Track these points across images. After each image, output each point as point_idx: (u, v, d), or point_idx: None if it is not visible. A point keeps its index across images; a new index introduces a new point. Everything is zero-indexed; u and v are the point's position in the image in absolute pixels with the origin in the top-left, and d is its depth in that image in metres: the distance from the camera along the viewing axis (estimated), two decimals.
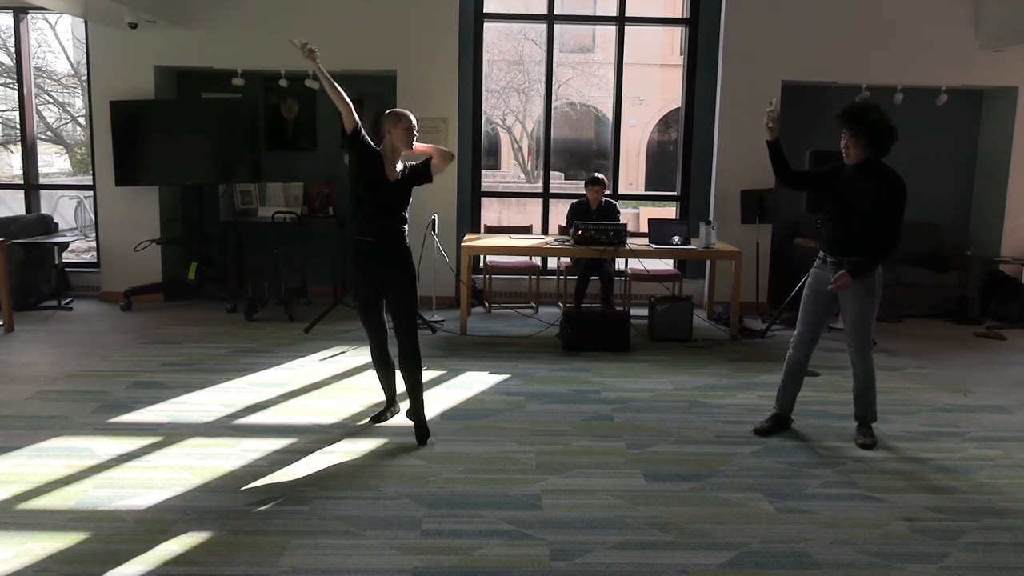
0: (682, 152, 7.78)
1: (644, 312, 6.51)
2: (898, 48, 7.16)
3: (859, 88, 7.16)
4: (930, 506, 3.44)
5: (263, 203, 7.33)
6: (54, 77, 15.77)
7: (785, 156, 4.22)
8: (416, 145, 4.00)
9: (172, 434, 4.04)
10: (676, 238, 6.49)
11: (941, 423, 4.50)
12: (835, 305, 4.13)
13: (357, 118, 3.95)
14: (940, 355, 6.00)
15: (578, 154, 18.20)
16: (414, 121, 3.96)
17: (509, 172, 19.64)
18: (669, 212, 8.26)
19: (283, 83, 7.19)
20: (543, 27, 7.70)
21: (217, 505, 3.30)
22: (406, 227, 4.01)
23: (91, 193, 7.65)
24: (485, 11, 7.47)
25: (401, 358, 4.02)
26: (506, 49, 17.66)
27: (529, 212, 11.05)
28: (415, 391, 4.05)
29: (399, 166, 4.00)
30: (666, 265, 7.43)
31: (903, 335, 6.59)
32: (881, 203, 3.88)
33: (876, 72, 7.18)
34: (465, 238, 6.74)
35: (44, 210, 7.95)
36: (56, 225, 7.59)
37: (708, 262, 7.02)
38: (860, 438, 4.14)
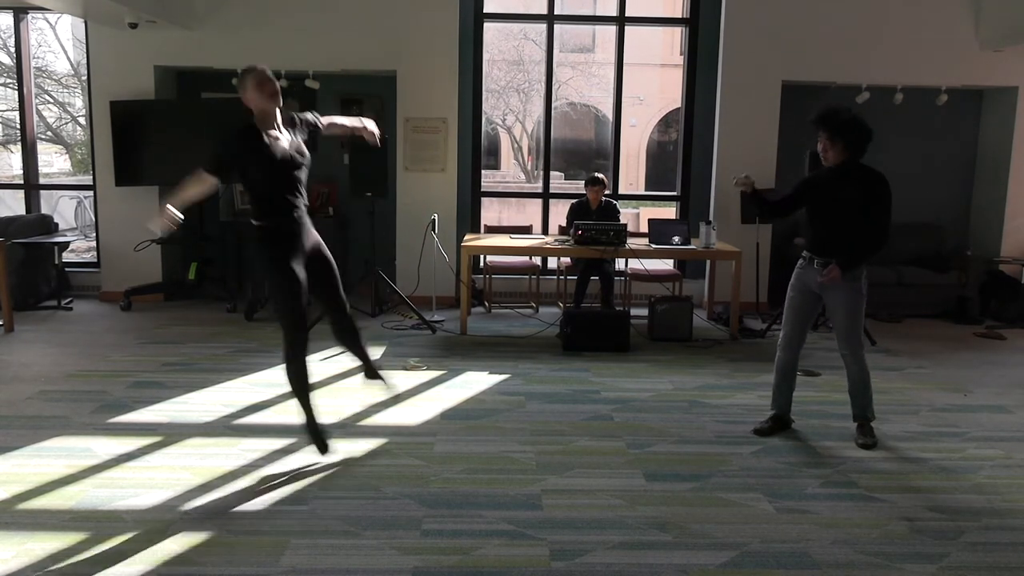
0: (682, 152, 7.78)
1: (644, 312, 6.51)
2: (898, 48, 7.16)
3: (859, 88, 7.16)
4: (930, 506, 3.44)
5: None
6: (54, 77, 15.78)
7: (765, 197, 4.27)
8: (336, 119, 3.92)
9: (172, 434, 4.04)
10: (676, 238, 6.49)
11: (941, 423, 4.50)
12: (819, 304, 4.14)
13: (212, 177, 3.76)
14: (940, 355, 6.00)
15: (578, 154, 18.22)
16: (267, 72, 3.58)
17: (509, 172, 19.65)
18: (669, 212, 8.26)
19: (283, 83, 7.16)
20: (543, 27, 7.69)
21: (217, 505, 3.30)
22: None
23: (91, 193, 7.65)
24: (485, 11, 7.47)
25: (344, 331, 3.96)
26: (506, 49, 17.67)
27: (529, 212, 11.06)
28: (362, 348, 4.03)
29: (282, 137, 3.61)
30: (666, 265, 7.43)
31: (903, 335, 6.59)
32: (865, 202, 3.89)
33: (876, 72, 7.18)
34: (465, 238, 6.74)
35: (44, 210, 7.95)
36: (56, 225, 7.59)
37: (708, 262, 7.02)
38: (860, 438, 4.13)
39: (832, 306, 4.06)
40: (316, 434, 3.78)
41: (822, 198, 4.04)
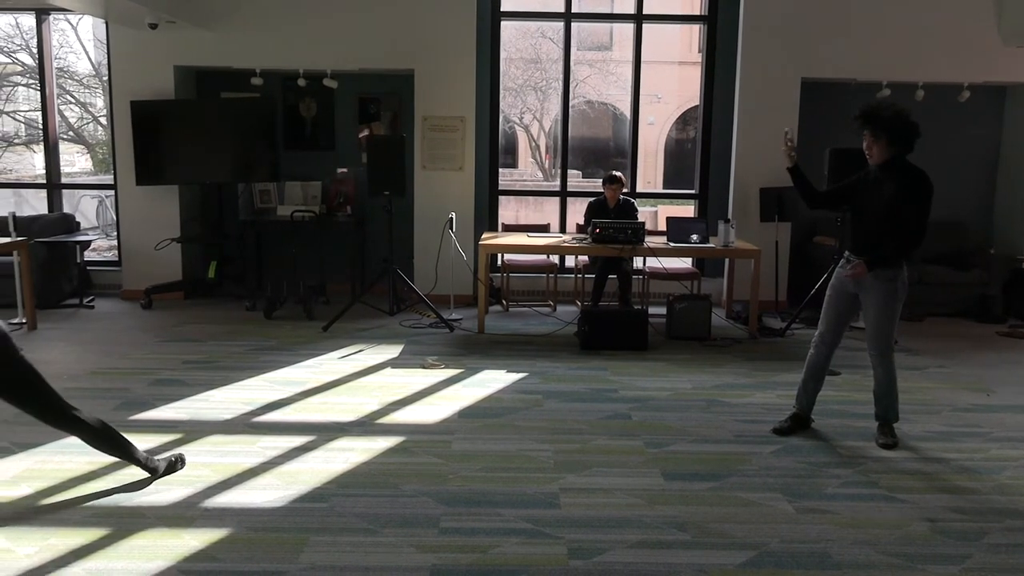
0: (700, 150, 7.74)
1: (662, 311, 6.48)
2: (919, 45, 7.08)
3: (879, 85, 7.09)
4: (952, 507, 3.41)
5: (282, 202, 7.37)
6: (76, 77, 15.90)
7: (808, 179, 4.21)
8: None
9: (192, 431, 4.08)
10: (694, 236, 6.45)
11: (963, 423, 4.46)
12: (857, 305, 4.09)
13: None
14: (962, 354, 5.93)
15: (596, 152, 18.13)
16: None
17: (527, 171, 19.61)
18: (687, 210, 8.22)
19: (301, 82, 7.23)
20: (560, 25, 7.68)
21: (236, 502, 3.32)
22: None
23: (112, 192, 7.72)
24: (502, 9, 7.47)
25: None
26: (523, 47, 17.62)
27: (547, 210, 11.01)
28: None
29: None
30: (684, 263, 7.40)
31: (925, 334, 6.53)
32: (905, 200, 3.84)
33: (897, 69, 7.10)
34: (483, 236, 6.74)
35: (66, 209, 8.03)
36: (78, 224, 7.67)
37: (727, 260, 6.97)
38: (881, 438, 4.10)
39: (866, 305, 4.02)
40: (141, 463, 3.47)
41: (865, 197, 4.00)
